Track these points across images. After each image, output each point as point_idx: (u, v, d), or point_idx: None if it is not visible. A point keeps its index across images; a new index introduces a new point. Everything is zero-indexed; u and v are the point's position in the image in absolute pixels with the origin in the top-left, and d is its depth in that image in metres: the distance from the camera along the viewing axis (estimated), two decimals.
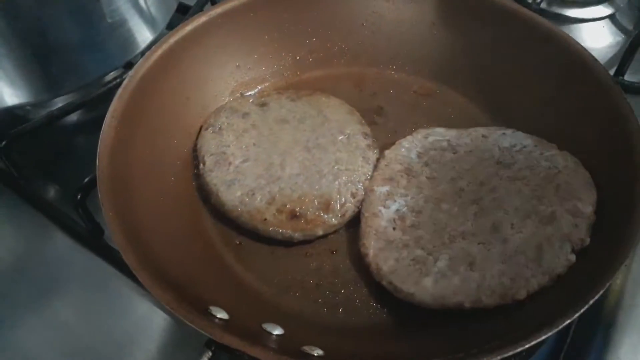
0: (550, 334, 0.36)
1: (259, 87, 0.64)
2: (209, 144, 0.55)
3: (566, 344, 0.47)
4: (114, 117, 0.50)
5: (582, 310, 0.37)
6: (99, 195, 0.45)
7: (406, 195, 0.51)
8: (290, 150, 0.55)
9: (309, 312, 0.47)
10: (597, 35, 0.75)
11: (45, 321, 0.51)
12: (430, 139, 0.55)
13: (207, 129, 0.57)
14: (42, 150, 0.65)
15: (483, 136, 0.54)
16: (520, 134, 0.53)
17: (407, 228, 0.49)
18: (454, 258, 0.45)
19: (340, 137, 0.56)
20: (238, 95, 0.63)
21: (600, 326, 0.47)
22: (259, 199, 0.51)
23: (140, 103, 0.53)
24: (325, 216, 0.51)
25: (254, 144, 0.55)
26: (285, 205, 0.51)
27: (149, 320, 0.50)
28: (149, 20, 0.66)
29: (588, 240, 0.44)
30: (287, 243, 0.51)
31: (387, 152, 0.54)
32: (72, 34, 0.59)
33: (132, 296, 0.52)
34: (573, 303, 0.38)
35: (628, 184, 0.44)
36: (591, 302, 0.37)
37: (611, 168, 0.47)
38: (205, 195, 0.54)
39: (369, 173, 0.53)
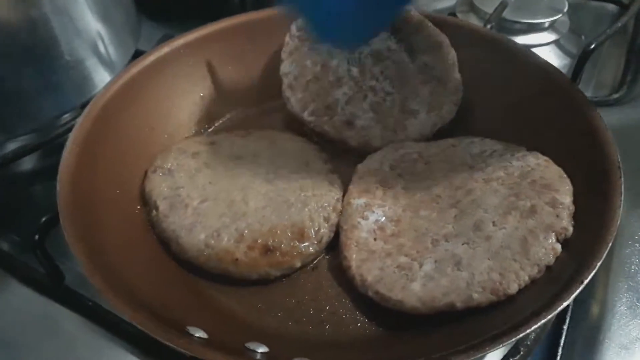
0: (549, 317, 0.35)
1: (226, 117, 0.63)
2: (160, 187, 0.51)
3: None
4: (75, 144, 0.49)
5: (577, 291, 0.36)
6: (60, 219, 0.42)
7: (384, 206, 0.50)
8: (251, 185, 0.52)
9: (293, 330, 0.44)
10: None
11: None
12: (401, 151, 0.55)
13: (154, 171, 0.53)
14: None
15: (452, 145, 0.55)
16: (488, 140, 0.54)
17: (388, 237, 0.47)
18: (439, 261, 0.44)
19: (300, 166, 0.54)
20: (205, 125, 0.62)
21: (588, 332, 0.48)
22: (226, 238, 0.47)
23: (103, 131, 0.52)
24: (301, 245, 0.48)
25: (210, 183, 0.52)
26: (257, 241, 0.47)
27: None
28: (107, 62, 0.66)
29: (571, 228, 0.43)
30: None
31: (359, 165, 0.54)
32: (26, 72, 0.57)
33: (100, 343, 0.48)
34: (567, 287, 0.37)
35: (601, 172, 0.45)
36: (585, 282, 0.36)
37: (582, 162, 0.48)
38: (164, 243, 0.50)
39: (337, 196, 0.52)
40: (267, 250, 0.47)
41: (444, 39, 0.60)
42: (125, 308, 0.36)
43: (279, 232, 0.48)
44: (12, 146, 0.61)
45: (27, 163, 0.65)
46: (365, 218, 0.49)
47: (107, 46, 0.66)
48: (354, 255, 0.46)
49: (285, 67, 0.59)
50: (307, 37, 0.59)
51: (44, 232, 0.49)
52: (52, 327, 0.50)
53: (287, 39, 0.60)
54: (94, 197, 0.47)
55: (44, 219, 0.49)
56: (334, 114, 0.56)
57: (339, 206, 0.51)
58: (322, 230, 0.49)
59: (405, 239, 0.47)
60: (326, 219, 0.50)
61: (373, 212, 0.49)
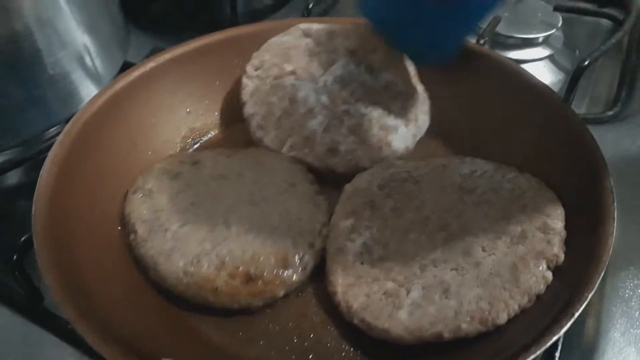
0: (538, 352, 0.33)
1: (212, 133, 0.62)
2: (140, 210, 0.49)
3: None
4: (54, 163, 0.47)
5: (568, 325, 0.34)
6: (34, 244, 0.40)
7: (371, 228, 0.48)
8: (234, 207, 0.49)
9: None
10: (538, 75, 0.78)
11: None
12: (390, 171, 0.53)
13: (134, 192, 0.51)
14: None
15: (442, 165, 0.53)
16: (478, 160, 0.53)
17: (375, 261, 0.46)
18: (427, 287, 0.42)
19: (285, 187, 0.52)
20: (191, 141, 0.61)
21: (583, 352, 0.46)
22: (206, 265, 0.44)
23: (83, 150, 0.50)
24: (285, 273, 0.45)
25: (192, 205, 0.49)
26: (238, 268, 0.44)
27: None
28: (94, 75, 0.65)
29: (562, 255, 0.42)
30: None
31: (347, 185, 0.52)
32: (9, 86, 0.56)
33: None
34: (558, 319, 0.35)
35: (593, 197, 0.43)
36: (576, 314, 0.35)
37: (574, 185, 0.47)
38: (142, 269, 0.47)
39: (323, 220, 0.50)
40: (249, 278, 0.44)
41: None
42: (96, 340, 0.34)
43: (261, 259, 0.45)
44: None
45: (12, 178, 0.63)
46: (352, 240, 0.47)
47: (94, 59, 0.64)
48: (340, 280, 0.45)
49: (249, 109, 0.57)
50: (267, 76, 0.57)
51: (23, 252, 0.48)
52: (31, 350, 0.48)
53: (244, 80, 0.58)
54: (72, 219, 0.45)
55: (22, 239, 0.48)
56: (314, 144, 0.54)
57: (325, 231, 0.49)
58: (306, 257, 0.46)
59: (393, 263, 0.45)
60: (311, 245, 0.47)
61: (360, 234, 0.48)
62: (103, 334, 0.35)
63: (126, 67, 0.69)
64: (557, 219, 0.44)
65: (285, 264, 0.45)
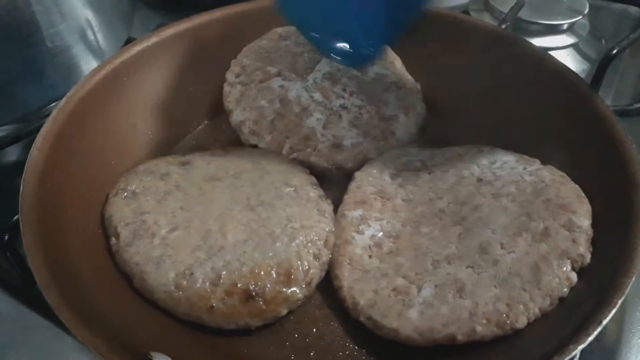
0: None
1: (215, 119, 0.59)
2: (122, 212, 0.44)
3: None
4: (46, 139, 0.44)
5: (595, 333, 0.31)
6: (21, 226, 0.38)
7: (381, 219, 0.45)
8: (230, 212, 0.44)
9: (274, 356, 0.40)
10: None
11: None
12: (403, 159, 0.50)
13: (116, 194, 0.46)
14: None
15: (459, 155, 0.50)
16: (498, 150, 0.50)
17: (384, 255, 0.43)
18: (440, 285, 0.40)
19: (286, 190, 0.47)
20: (194, 123, 0.58)
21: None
22: (200, 280, 0.40)
23: (78, 127, 0.48)
24: (288, 290, 0.40)
25: (182, 208, 0.45)
26: (236, 285, 0.40)
27: None
28: (96, 50, 0.62)
29: (589, 256, 0.39)
30: None
31: (357, 173, 0.49)
32: (5, 58, 0.54)
33: (73, 356, 0.44)
34: (583, 327, 0.32)
35: (623, 194, 0.40)
36: (604, 322, 0.32)
37: (601, 180, 0.43)
38: (126, 278, 0.42)
39: (329, 227, 0.45)
40: (248, 296, 0.39)
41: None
42: (80, 328, 0.32)
43: (262, 273, 0.40)
44: None
45: (11, 154, 0.61)
46: (361, 232, 0.44)
47: (96, 33, 0.62)
48: (346, 274, 0.42)
49: (238, 116, 0.53)
50: (250, 80, 0.55)
51: (15, 232, 0.45)
52: (23, 333, 0.46)
53: (226, 88, 0.55)
54: (63, 200, 0.43)
55: (14, 218, 0.46)
56: (317, 142, 0.51)
57: (332, 239, 0.44)
58: (312, 271, 0.42)
59: (404, 259, 0.42)
60: (316, 257, 0.43)
61: (369, 225, 0.45)
62: (88, 323, 0.33)
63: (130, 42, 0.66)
64: (583, 216, 0.41)
65: (289, 280, 0.41)
